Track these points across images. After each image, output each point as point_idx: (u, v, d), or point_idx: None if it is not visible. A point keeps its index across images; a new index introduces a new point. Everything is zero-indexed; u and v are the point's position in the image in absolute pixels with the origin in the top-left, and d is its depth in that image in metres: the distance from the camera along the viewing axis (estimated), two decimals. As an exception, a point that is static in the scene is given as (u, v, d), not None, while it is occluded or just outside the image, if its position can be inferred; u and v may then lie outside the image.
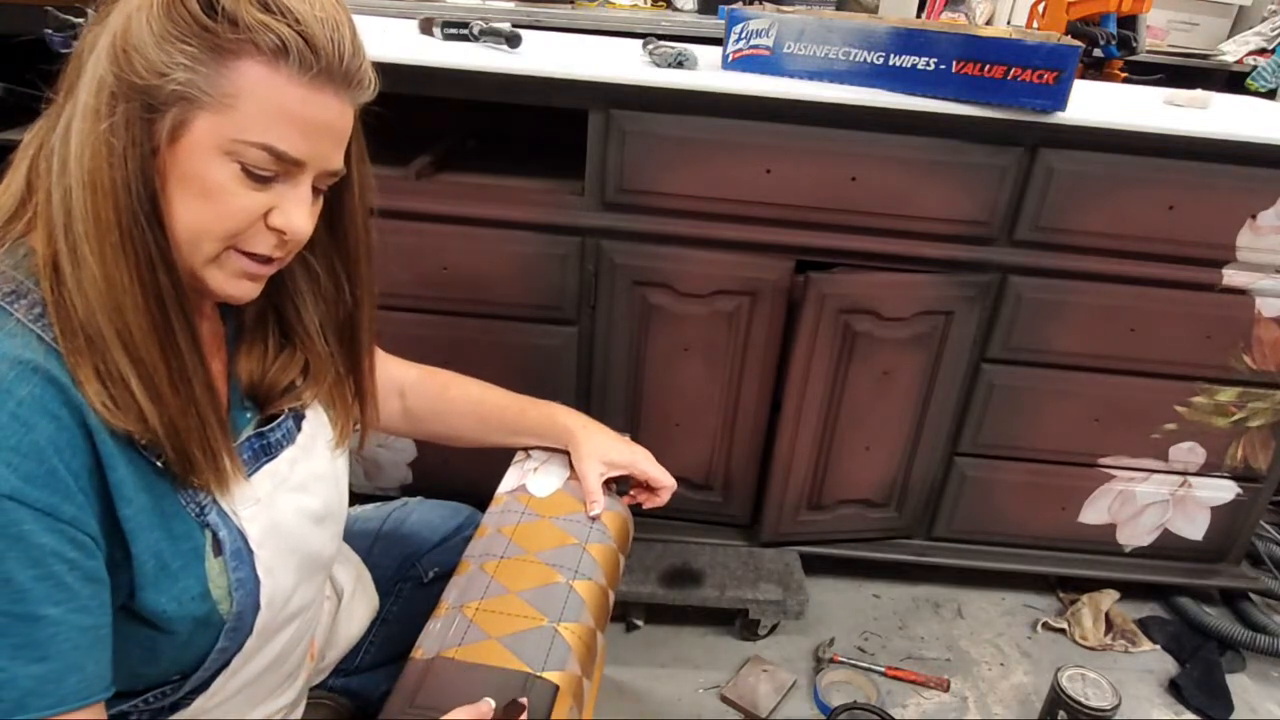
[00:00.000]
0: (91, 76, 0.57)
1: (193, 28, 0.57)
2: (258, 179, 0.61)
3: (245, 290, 0.66)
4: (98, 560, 0.58)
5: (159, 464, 0.62)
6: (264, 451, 0.73)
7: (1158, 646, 1.64)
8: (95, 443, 0.58)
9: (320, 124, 0.62)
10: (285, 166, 0.62)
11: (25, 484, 0.53)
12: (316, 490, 0.78)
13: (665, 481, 1.02)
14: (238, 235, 0.63)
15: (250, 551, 0.68)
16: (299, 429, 0.78)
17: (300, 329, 0.76)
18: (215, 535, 0.66)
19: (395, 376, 1.01)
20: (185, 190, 0.60)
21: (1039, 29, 1.98)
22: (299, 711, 0.85)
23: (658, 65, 1.39)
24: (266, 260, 0.66)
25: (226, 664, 0.70)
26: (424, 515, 1.08)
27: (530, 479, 1.01)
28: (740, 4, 1.48)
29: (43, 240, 0.59)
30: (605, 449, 1.00)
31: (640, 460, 1.02)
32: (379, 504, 1.11)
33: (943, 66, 1.28)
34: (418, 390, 1.02)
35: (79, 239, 0.57)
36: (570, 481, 1.01)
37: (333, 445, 0.81)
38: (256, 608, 0.69)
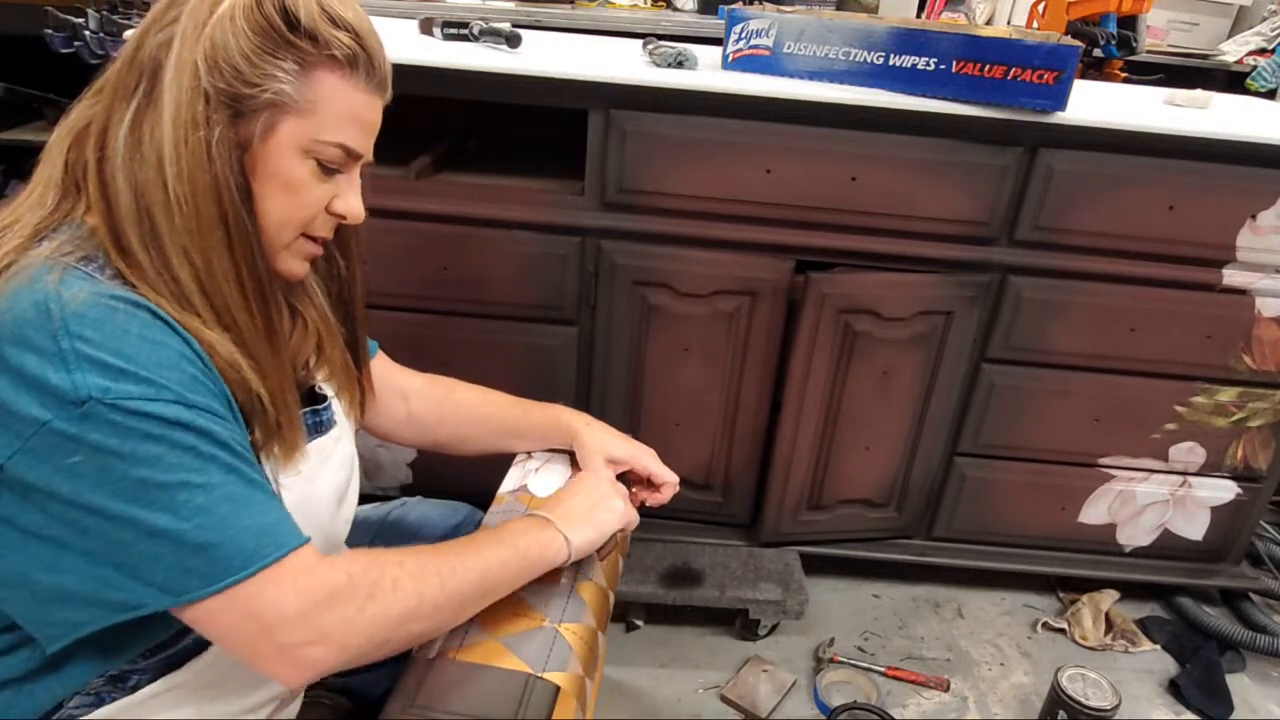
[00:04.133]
0: (179, 84, 0.62)
1: (279, 43, 0.64)
2: (327, 172, 0.70)
3: (304, 269, 0.75)
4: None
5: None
6: (316, 429, 0.78)
7: (1158, 646, 1.64)
8: (205, 364, 0.63)
9: (373, 123, 0.73)
10: (349, 161, 0.71)
11: (184, 389, 0.59)
12: (344, 471, 0.82)
13: (668, 478, 1.03)
14: (309, 223, 0.71)
15: None
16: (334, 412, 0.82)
17: (306, 300, 0.81)
18: None
19: (399, 382, 1.02)
20: (270, 184, 0.67)
21: (1039, 29, 1.98)
22: (296, 709, 0.85)
23: (658, 65, 1.39)
24: (319, 241, 0.74)
25: None
26: (424, 513, 1.08)
27: (532, 479, 1.01)
28: (740, 4, 1.48)
29: (101, 224, 0.63)
30: (609, 445, 1.01)
31: (643, 456, 1.02)
32: (378, 503, 1.11)
33: (943, 66, 1.28)
34: (422, 394, 1.02)
35: (173, 232, 0.62)
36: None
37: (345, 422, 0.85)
38: None
